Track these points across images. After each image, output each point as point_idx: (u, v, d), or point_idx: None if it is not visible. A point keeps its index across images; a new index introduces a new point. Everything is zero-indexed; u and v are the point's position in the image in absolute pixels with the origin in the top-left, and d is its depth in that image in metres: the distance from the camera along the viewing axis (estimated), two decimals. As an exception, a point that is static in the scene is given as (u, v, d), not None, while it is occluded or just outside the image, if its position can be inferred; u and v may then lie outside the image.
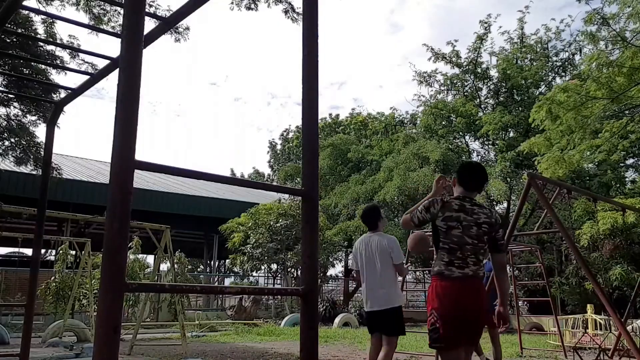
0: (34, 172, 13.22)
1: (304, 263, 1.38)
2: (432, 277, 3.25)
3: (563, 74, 19.75)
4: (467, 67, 20.64)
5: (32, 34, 10.48)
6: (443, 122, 21.30)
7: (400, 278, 5.34)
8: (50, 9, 9.13)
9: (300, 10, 9.21)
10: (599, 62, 9.28)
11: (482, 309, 3.20)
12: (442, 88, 21.72)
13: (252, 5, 9.14)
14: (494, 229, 3.25)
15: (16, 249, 20.46)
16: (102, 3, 8.99)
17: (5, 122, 11.70)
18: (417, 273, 20.18)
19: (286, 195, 19.96)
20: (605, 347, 7.64)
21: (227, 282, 24.88)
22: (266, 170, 40.82)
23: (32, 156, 12.01)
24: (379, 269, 4.73)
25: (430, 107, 21.30)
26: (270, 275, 21.72)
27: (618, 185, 16.90)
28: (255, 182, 1.76)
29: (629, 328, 7.54)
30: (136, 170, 1.08)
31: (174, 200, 20.13)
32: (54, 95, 10.80)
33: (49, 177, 3.54)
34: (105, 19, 9.37)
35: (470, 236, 3.16)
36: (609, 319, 9.02)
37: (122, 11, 2.51)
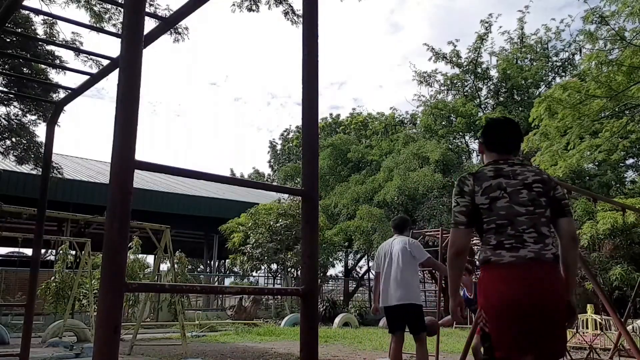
0: (34, 172, 13.21)
1: (304, 263, 1.38)
2: (480, 269, 2.51)
3: (563, 74, 19.79)
4: (467, 67, 20.67)
5: (32, 34, 10.48)
6: (443, 122, 21.30)
7: (437, 274, 5.57)
8: (52, 7, 9.13)
9: (300, 12, 9.23)
10: (599, 61, 9.29)
11: (559, 302, 2.36)
12: (442, 88, 21.77)
13: (254, 7, 9.13)
14: (549, 187, 2.49)
15: (16, 249, 20.43)
16: (103, 2, 8.98)
17: (6, 122, 11.70)
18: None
19: (286, 195, 19.94)
20: (596, 346, 7.65)
21: (227, 282, 24.86)
22: (266, 170, 40.79)
23: (32, 156, 12.00)
24: (399, 267, 5.07)
25: (430, 107, 21.31)
26: (270, 275, 21.71)
27: (618, 185, 16.90)
28: (255, 182, 1.76)
29: (629, 328, 7.54)
30: (136, 170, 1.08)
31: (174, 200, 20.12)
32: (54, 95, 10.80)
33: (49, 177, 3.54)
34: (106, 16, 9.36)
35: (522, 203, 2.41)
36: (609, 319, 9.02)
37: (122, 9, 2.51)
